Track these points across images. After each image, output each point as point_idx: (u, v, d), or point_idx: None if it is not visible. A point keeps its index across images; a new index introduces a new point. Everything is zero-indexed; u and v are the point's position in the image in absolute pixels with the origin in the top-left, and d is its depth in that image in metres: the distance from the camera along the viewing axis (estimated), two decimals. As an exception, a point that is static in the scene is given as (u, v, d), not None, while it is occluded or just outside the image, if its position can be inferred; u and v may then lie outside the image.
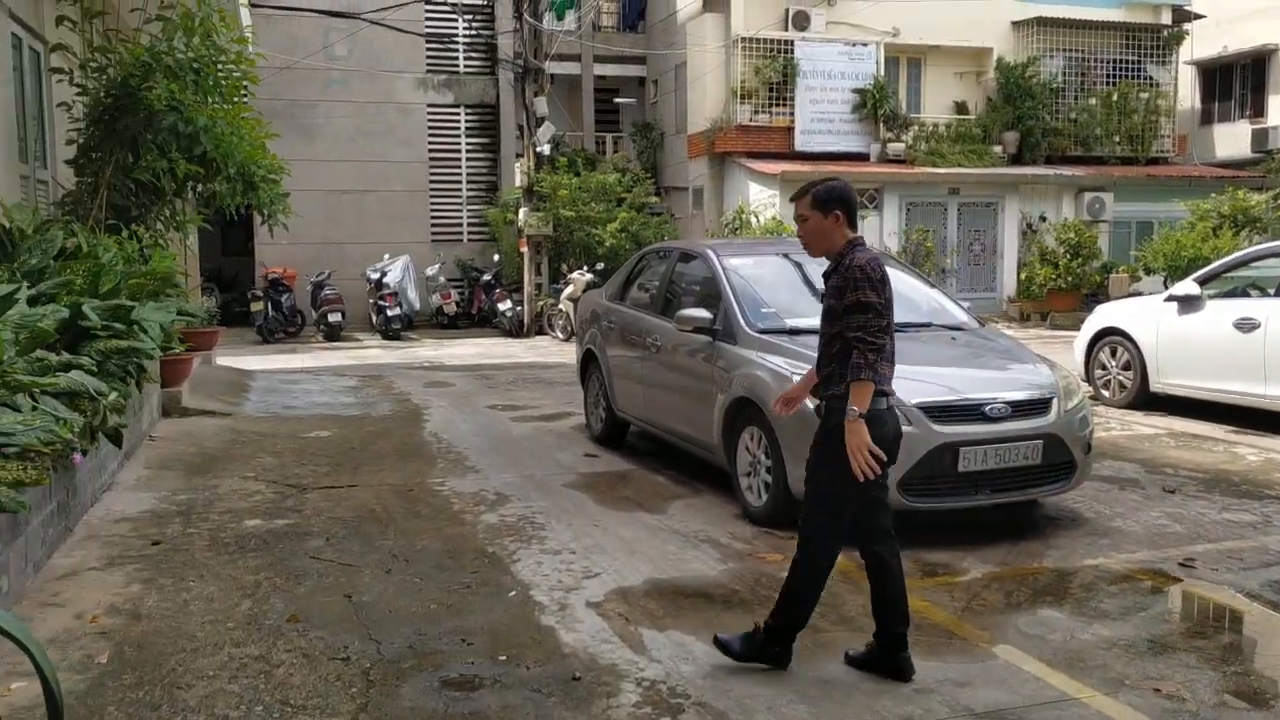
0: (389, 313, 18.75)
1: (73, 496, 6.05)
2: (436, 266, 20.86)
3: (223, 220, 25.08)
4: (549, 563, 5.56)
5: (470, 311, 21.22)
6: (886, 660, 4.14)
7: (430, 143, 22.14)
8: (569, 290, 17.53)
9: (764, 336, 6.54)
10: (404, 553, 5.73)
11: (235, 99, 8.69)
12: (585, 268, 18.14)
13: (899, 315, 7.18)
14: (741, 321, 6.72)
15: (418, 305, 20.19)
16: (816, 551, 4.14)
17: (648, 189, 20.31)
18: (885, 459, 3.95)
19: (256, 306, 18.67)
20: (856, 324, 3.96)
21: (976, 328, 7.18)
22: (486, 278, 20.70)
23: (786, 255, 7.62)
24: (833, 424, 4.01)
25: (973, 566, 5.55)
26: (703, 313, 6.86)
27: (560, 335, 17.95)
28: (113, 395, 5.01)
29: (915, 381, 5.96)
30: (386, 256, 20.09)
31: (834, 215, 4.11)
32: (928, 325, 7.01)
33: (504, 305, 19.40)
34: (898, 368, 6.34)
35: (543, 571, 5.41)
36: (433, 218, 22.23)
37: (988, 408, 5.85)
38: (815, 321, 6.90)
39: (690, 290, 7.67)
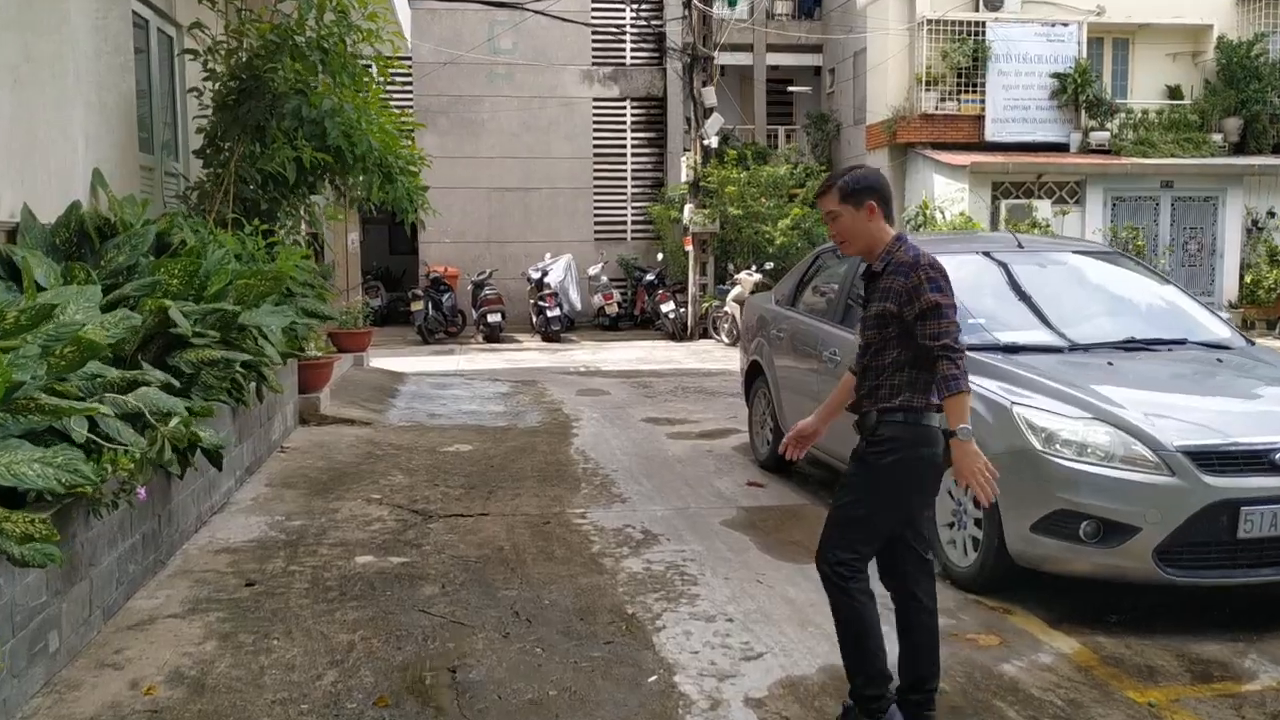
0: (549, 313, 18.07)
1: (166, 525, 5.36)
2: (599, 266, 20.11)
3: (392, 218, 25.30)
4: (700, 633, 4.50)
5: (632, 312, 20.40)
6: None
7: (595, 138, 21.41)
8: (736, 291, 16.42)
9: (971, 355, 5.29)
10: (528, 608, 4.78)
11: (368, 81, 7.95)
12: (753, 267, 17.01)
13: (1141, 329, 5.90)
14: (943, 335, 5.50)
15: (579, 305, 19.48)
16: (851, 587, 3.46)
17: (816, 182, 19.00)
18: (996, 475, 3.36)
19: (416, 306, 18.30)
20: (938, 330, 3.40)
21: (1245, 345, 5.73)
22: (649, 278, 19.82)
23: (988, 254, 6.33)
24: (885, 438, 3.48)
25: (1260, 668, 4.19)
26: (894, 324, 5.66)
27: (725, 339, 16.87)
28: (173, 421, 4.22)
29: (1175, 420, 4.63)
30: (548, 255, 19.45)
31: (868, 207, 3.56)
32: (1181, 342, 5.61)
33: (667, 306, 18.46)
34: (1145, 396, 5.07)
35: (691, 646, 4.35)
36: (596, 215, 21.51)
37: (1278, 455, 4.46)
38: (1036, 336, 5.68)
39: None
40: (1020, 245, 6.32)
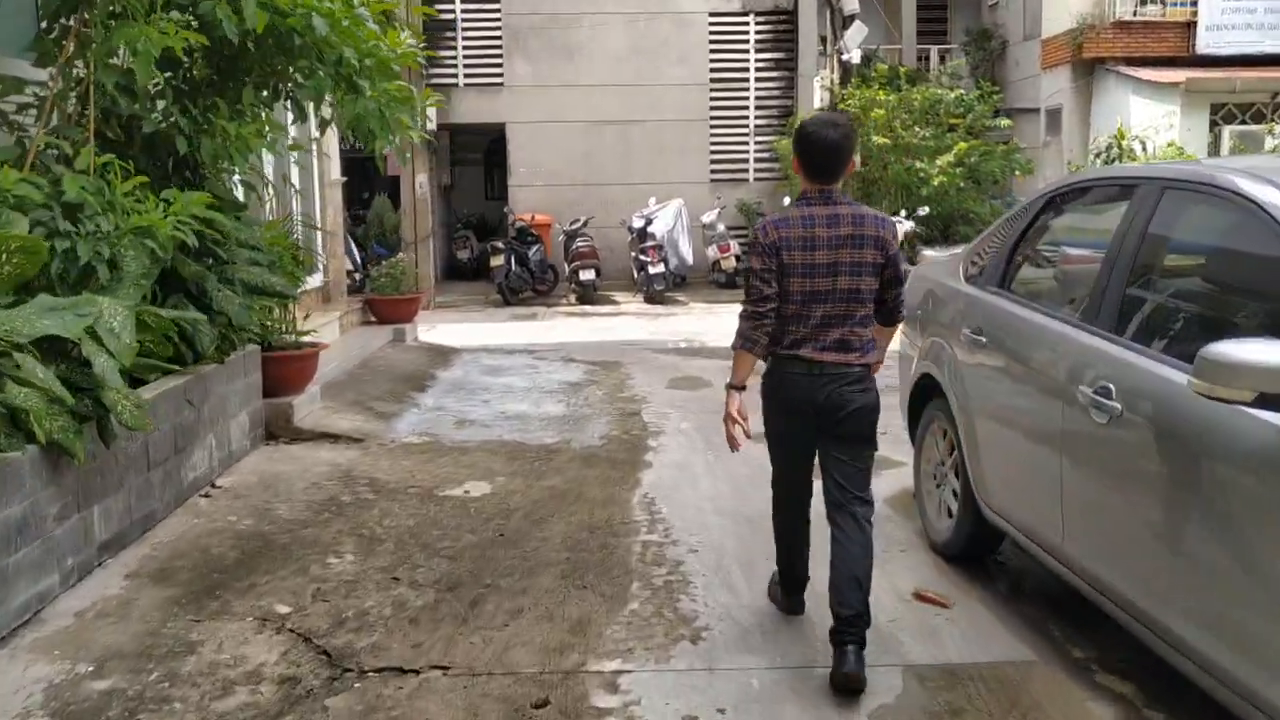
0: (650, 270, 15.09)
1: None
2: (715, 212, 16.93)
3: (486, 157, 22.54)
4: None
5: (754, 267, 17.24)
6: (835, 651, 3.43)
7: (712, 60, 18.13)
8: (880, 244, 13.12)
9: None
10: None
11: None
12: (904, 214, 13.64)
13: None
14: None
15: (690, 259, 16.45)
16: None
17: (993, 106, 15.33)
18: None
19: (496, 261, 15.50)
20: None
21: None
22: (775, 225, 16.59)
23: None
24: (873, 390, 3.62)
25: None
26: (1287, 354, 2.50)
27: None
28: None
29: None
30: (653, 201, 16.43)
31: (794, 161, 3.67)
32: None
33: (794, 261, 15.24)
34: None
35: None
36: (713, 152, 18.27)
37: None
38: None
39: (1207, 284, 3.32)
40: None
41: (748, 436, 3.57)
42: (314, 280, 9.94)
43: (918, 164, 14.13)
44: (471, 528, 5.09)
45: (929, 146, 14.23)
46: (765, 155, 18.13)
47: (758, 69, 18.25)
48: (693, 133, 18.12)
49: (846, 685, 3.31)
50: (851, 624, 3.37)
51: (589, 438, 6.97)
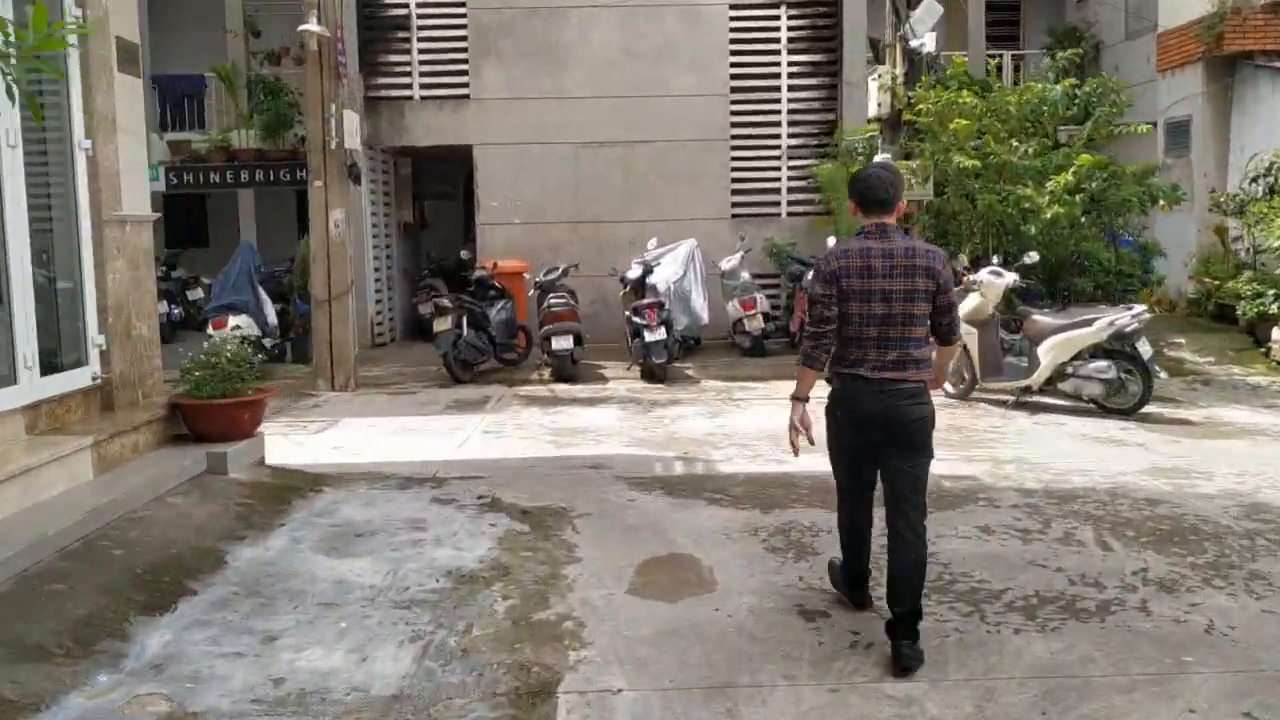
0: (648, 336, 11.12)
1: None
2: (737, 257, 12.98)
3: (466, 190, 18.76)
4: None
5: (788, 328, 13.21)
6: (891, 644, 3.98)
7: (734, 65, 14.28)
8: (972, 304, 9.06)
9: None
10: None
11: None
12: (998, 261, 9.59)
13: None
14: None
15: (705, 317, 12.52)
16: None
17: (1120, 108, 11.22)
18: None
19: (440, 325, 11.49)
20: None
21: None
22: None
23: None
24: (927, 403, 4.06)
25: None
26: None
27: (948, 389, 9.52)
28: None
29: None
30: (653, 243, 12.55)
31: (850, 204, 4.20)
32: None
33: (843, 324, 11.25)
34: None
35: None
36: (735, 180, 14.37)
37: None
38: None
39: None
40: None
41: (811, 444, 4.10)
42: (78, 378, 6.09)
43: (1020, 190, 10.04)
44: None
45: (1033, 167, 10.18)
46: (801, 183, 14.19)
47: (791, 75, 14.36)
48: (709, 155, 14.25)
49: (907, 670, 3.83)
50: (903, 620, 3.90)
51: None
